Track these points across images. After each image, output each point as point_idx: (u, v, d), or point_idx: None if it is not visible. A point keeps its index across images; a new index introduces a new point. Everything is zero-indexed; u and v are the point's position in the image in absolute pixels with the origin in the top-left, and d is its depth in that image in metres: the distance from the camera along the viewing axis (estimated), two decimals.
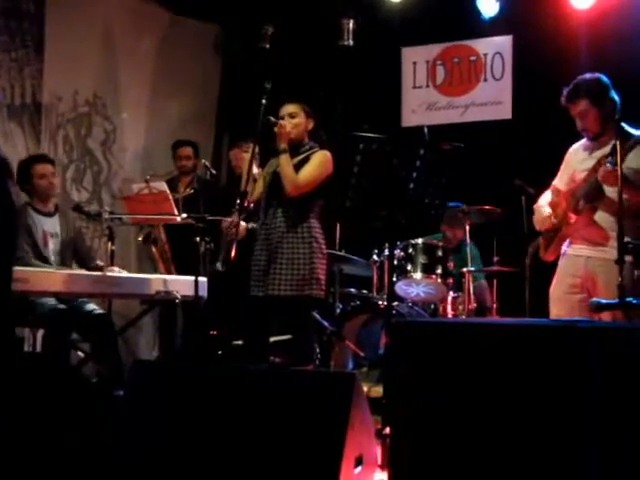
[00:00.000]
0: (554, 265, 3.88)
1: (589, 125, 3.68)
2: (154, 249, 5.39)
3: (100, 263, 4.52)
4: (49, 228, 4.63)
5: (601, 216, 3.63)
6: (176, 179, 5.70)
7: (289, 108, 4.12)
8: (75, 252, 4.75)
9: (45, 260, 4.52)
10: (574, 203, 3.70)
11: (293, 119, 4.10)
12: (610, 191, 3.59)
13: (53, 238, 4.64)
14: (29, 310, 4.27)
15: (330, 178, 4.08)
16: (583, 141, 3.85)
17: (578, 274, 3.71)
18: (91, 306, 4.70)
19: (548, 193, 3.92)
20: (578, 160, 3.81)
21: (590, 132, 3.71)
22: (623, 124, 3.60)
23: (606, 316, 3.46)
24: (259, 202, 4.16)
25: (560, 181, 3.91)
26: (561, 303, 3.74)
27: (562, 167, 3.93)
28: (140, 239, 5.39)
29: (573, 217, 3.70)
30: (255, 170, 4.10)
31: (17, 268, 3.75)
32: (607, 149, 3.60)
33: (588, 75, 3.73)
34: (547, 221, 3.81)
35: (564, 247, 3.80)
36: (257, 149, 4.12)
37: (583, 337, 2.19)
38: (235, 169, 5.62)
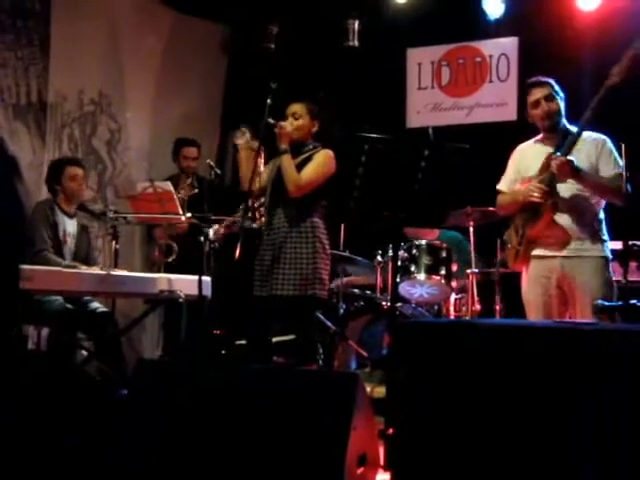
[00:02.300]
0: None
1: (555, 108, 3.72)
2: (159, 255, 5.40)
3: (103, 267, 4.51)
4: (69, 228, 4.74)
5: (560, 216, 3.63)
6: (177, 178, 5.69)
7: (293, 108, 4.11)
8: (85, 253, 4.81)
9: (62, 258, 4.59)
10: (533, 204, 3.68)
11: (297, 120, 4.09)
12: (563, 189, 3.60)
13: (70, 238, 4.74)
14: (34, 308, 4.29)
15: (333, 178, 4.08)
16: (530, 142, 3.87)
17: (553, 276, 3.68)
18: (95, 304, 4.73)
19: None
20: (529, 159, 3.82)
21: (555, 116, 3.72)
22: (567, 124, 3.71)
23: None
24: (261, 197, 4.15)
25: (505, 184, 3.92)
26: (538, 306, 3.71)
27: (508, 169, 3.94)
28: (157, 253, 5.40)
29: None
30: (262, 168, 4.11)
31: (22, 266, 3.77)
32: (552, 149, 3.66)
33: None
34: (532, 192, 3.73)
35: (533, 251, 3.76)
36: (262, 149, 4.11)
37: (585, 339, 2.19)
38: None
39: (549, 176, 3.60)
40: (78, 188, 4.74)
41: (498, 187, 3.96)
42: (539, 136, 3.84)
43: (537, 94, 3.74)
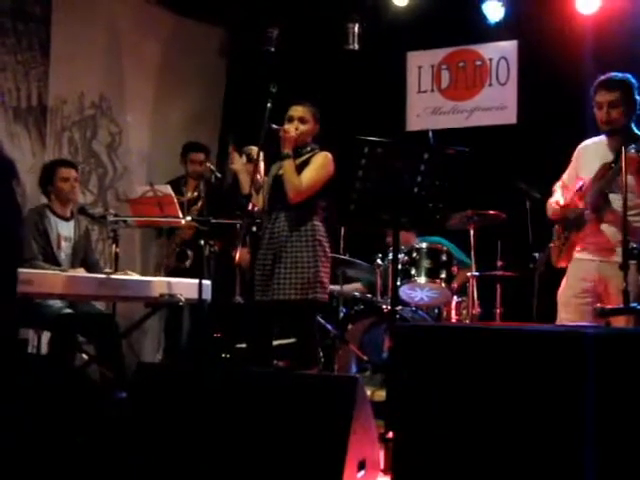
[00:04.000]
0: (560, 271, 3.87)
1: (615, 116, 3.63)
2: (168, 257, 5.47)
3: (108, 271, 4.49)
4: (64, 232, 4.69)
5: (606, 226, 3.63)
6: (183, 181, 5.70)
7: (300, 111, 4.07)
8: (84, 256, 4.79)
9: (56, 263, 4.56)
10: (580, 212, 3.71)
11: (304, 124, 4.06)
12: (615, 202, 3.59)
13: (66, 242, 4.70)
14: (33, 312, 4.28)
15: (332, 180, 4.07)
16: (594, 140, 3.83)
17: (589, 278, 3.70)
18: (96, 307, 4.72)
19: (558, 191, 3.92)
20: (587, 159, 3.79)
21: (613, 124, 3.64)
22: (635, 129, 3.64)
23: (620, 321, 3.46)
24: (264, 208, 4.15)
25: (568, 177, 3.91)
26: (570, 307, 3.73)
27: (571, 164, 3.92)
28: (173, 257, 5.47)
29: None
30: (261, 173, 4.10)
31: (22, 270, 3.76)
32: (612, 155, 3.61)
33: (620, 73, 3.72)
34: (556, 210, 3.78)
35: (575, 253, 3.79)
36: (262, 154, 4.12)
37: (583, 343, 2.18)
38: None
39: (599, 188, 3.59)
40: (70, 190, 4.68)
41: (562, 179, 3.92)
42: (602, 136, 3.77)
43: (601, 97, 3.65)
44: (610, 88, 3.65)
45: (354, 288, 5.53)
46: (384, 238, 5.36)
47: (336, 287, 5.10)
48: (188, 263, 5.40)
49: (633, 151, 3.43)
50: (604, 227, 3.64)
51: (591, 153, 3.79)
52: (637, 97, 3.68)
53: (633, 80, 3.70)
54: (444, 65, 6.18)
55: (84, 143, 5.83)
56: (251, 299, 4.04)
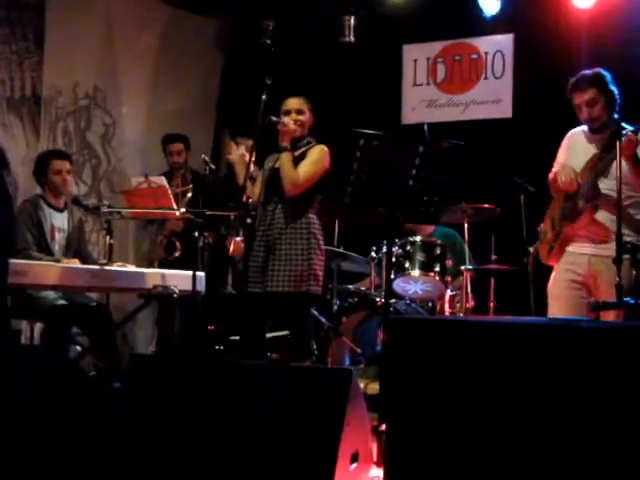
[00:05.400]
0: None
1: (597, 113, 3.65)
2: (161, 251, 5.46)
3: (103, 262, 4.47)
4: (58, 223, 4.69)
5: (602, 214, 3.62)
6: (169, 173, 5.70)
7: (296, 104, 4.07)
8: (77, 247, 4.78)
9: (50, 254, 4.55)
10: (573, 203, 3.69)
11: (300, 116, 4.07)
12: (606, 188, 3.59)
13: (60, 233, 4.70)
14: (27, 303, 4.27)
15: (328, 173, 4.07)
16: (581, 129, 3.82)
17: (580, 271, 3.69)
18: (90, 298, 4.72)
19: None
20: (575, 149, 3.79)
21: (597, 121, 3.66)
22: (623, 123, 3.62)
23: (610, 315, 3.46)
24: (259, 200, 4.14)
25: (558, 164, 3.89)
26: (561, 300, 3.72)
27: (559, 154, 3.91)
28: (162, 248, 5.48)
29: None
30: (252, 167, 4.09)
31: (16, 261, 3.75)
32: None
33: (589, 70, 3.73)
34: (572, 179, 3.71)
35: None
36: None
37: (576, 336, 2.19)
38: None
39: (590, 179, 3.59)
40: (62, 182, 4.67)
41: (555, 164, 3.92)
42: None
43: (577, 99, 3.67)
44: (583, 88, 3.66)
45: (366, 284, 5.51)
46: (379, 231, 5.35)
47: (352, 285, 5.13)
48: (177, 254, 5.40)
49: (630, 133, 3.42)
50: (599, 217, 3.62)
51: (580, 146, 3.78)
52: (613, 87, 3.67)
53: (604, 72, 3.70)
54: (440, 58, 6.17)
55: (78, 134, 5.81)
56: (244, 291, 4.04)
